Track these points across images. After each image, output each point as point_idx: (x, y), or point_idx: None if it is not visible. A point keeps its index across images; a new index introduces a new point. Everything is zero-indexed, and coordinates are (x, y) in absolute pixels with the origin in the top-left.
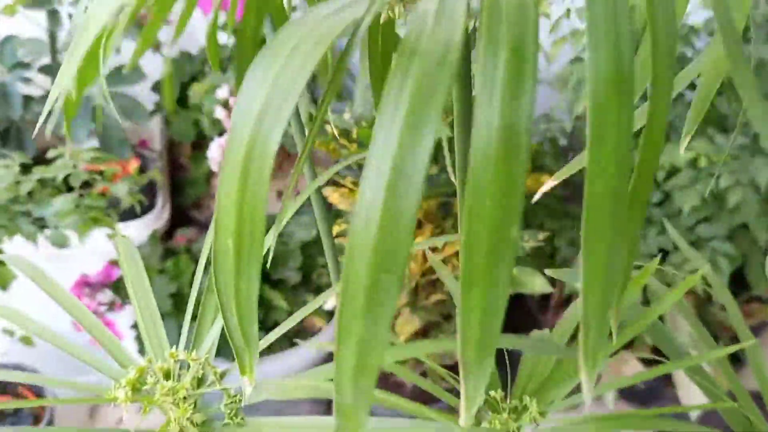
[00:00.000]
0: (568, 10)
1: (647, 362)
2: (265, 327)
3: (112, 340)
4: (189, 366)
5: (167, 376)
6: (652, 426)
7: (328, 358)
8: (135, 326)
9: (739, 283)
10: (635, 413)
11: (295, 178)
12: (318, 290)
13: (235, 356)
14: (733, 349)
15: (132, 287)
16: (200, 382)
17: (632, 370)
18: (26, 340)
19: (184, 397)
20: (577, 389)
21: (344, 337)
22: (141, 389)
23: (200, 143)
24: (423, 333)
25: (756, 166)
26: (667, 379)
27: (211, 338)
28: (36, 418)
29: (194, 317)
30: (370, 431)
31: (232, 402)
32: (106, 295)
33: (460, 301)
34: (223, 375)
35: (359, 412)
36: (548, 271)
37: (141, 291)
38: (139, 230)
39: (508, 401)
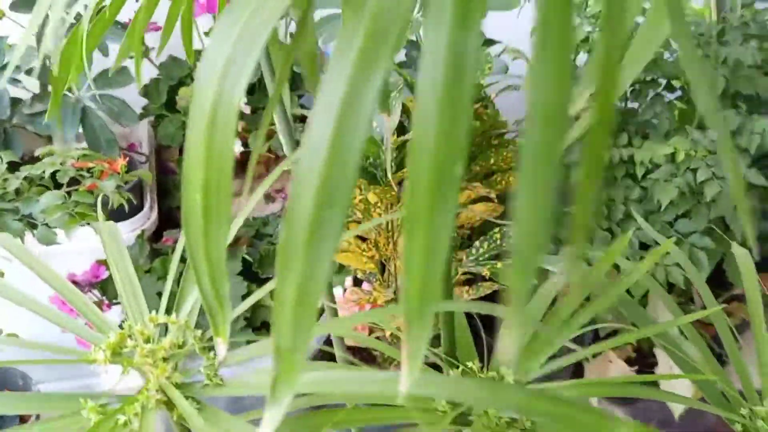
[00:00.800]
0: None
1: (632, 363)
2: (252, 326)
3: (95, 312)
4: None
5: (148, 341)
6: (628, 392)
7: (316, 355)
8: (122, 326)
9: (719, 282)
10: (611, 381)
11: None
12: None
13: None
14: (701, 315)
15: (112, 259)
16: (180, 348)
17: (617, 370)
18: (13, 338)
19: (164, 359)
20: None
21: (284, 273)
22: (121, 353)
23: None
24: None
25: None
26: (653, 382)
27: (190, 304)
28: (22, 418)
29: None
30: (321, 380)
31: (211, 364)
32: (94, 296)
33: (403, 244)
34: (202, 338)
35: (297, 353)
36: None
37: (122, 265)
38: (127, 231)
39: (485, 372)
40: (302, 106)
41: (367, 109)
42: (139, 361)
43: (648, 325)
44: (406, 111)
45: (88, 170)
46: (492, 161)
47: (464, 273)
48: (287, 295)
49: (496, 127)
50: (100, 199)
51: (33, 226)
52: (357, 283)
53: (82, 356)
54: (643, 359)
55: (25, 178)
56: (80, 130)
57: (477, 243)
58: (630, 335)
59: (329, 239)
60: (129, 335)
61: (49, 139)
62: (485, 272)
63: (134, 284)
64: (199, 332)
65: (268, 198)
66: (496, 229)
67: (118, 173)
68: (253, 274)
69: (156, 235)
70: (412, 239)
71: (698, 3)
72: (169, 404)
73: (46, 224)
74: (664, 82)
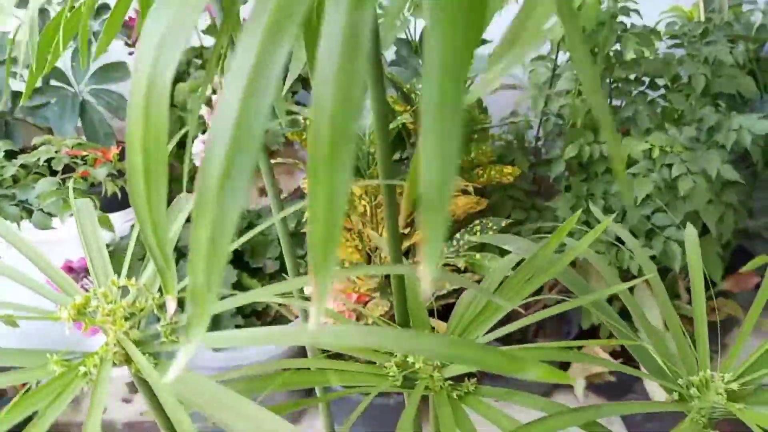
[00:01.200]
0: None
1: (616, 356)
2: (243, 313)
3: (70, 284)
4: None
5: (111, 303)
6: (566, 357)
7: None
8: None
9: (705, 278)
10: (550, 346)
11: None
12: None
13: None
14: (635, 282)
15: (83, 229)
16: (143, 310)
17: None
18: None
19: (126, 318)
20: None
21: (199, 217)
22: (86, 312)
23: (184, 141)
24: (392, 317)
25: (708, 157)
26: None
27: (150, 270)
28: None
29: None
30: (237, 338)
31: (167, 324)
32: (89, 282)
33: (307, 195)
34: (161, 301)
35: (210, 292)
36: (485, 237)
37: (93, 235)
38: (123, 220)
39: None
40: (297, 103)
41: (274, 72)
42: (101, 319)
43: (589, 298)
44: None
45: (82, 158)
46: (473, 155)
47: (444, 264)
48: (201, 237)
49: (476, 122)
50: (74, 184)
51: (29, 212)
52: None
53: (48, 315)
54: (627, 352)
55: (22, 165)
56: (79, 123)
57: (458, 235)
58: (567, 304)
59: (239, 188)
60: (94, 298)
61: (49, 131)
62: (462, 264)
63: (103, 253)
64: (157, 294)
65: (262, 192)
66: (476, 222)
67: (111, 161)
68: (244, 264)
69: None
70: (314, 189)
71: (687, 5)
72: (129, 359)
73: (41, 210)
74: (647, 80)
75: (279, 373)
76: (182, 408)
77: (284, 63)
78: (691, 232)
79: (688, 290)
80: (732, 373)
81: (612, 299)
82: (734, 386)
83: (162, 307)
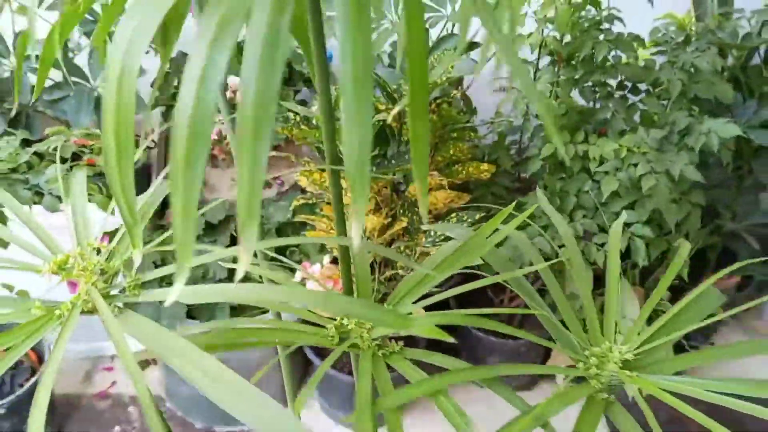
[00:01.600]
0: None
1: None
2: (231, 306)
3: (58, 248)
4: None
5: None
6: (474, 323)
7: None
8: None
9: (691, 277)
10: (461, 313)
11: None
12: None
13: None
14: (551, 263)
15: (72, 196)
16: (113, 268)
17: None
18: (23, 295)
19: (101, 272)
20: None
21: (174, 189)
22: (65, 268)
23: None
24: (379, 300)
25: (675, 158)
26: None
27: (123, 233)
28: (33, 370)
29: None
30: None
31: (132, 279)
32: None
33: (236, 161)
34: (129, 260)
35: (188, 241)
36: (435, 226)
37: (80, 203)
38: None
39: None
40: (301, 102)
41: (221, 64)
42: (76, 273)
43: (517, 281)
44: (375, 108)
45: (90, 147)
46: (451, 152)
47: (422, 253)
48: (177, 204)
49: (456, 121)
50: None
51: (41, 195)
52: (335, 261)
53: (31, 267)
54: None
55: (36, 153)
56: (96, 117)
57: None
58: (484, 281)
59: (199, 159)
60: (73, 257)
61: (66, 123)
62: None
63: (86, 219)
64: (128, 254)
65: (264, 183)
66: (452, 215)
67: None
68: None
69: (161, 213)
70: (241, 154)
71: (681, 12)
72: (96, 309)
73: (51, 193)
74: (630, 85)
75: (227, 329)
76: (126, 343)
77: (229, 57)
78: (619, 222)
79: (670, 288)
80: (629, 345)
81: (599, 294)
82: (629, 356)
83: (129, 265)
